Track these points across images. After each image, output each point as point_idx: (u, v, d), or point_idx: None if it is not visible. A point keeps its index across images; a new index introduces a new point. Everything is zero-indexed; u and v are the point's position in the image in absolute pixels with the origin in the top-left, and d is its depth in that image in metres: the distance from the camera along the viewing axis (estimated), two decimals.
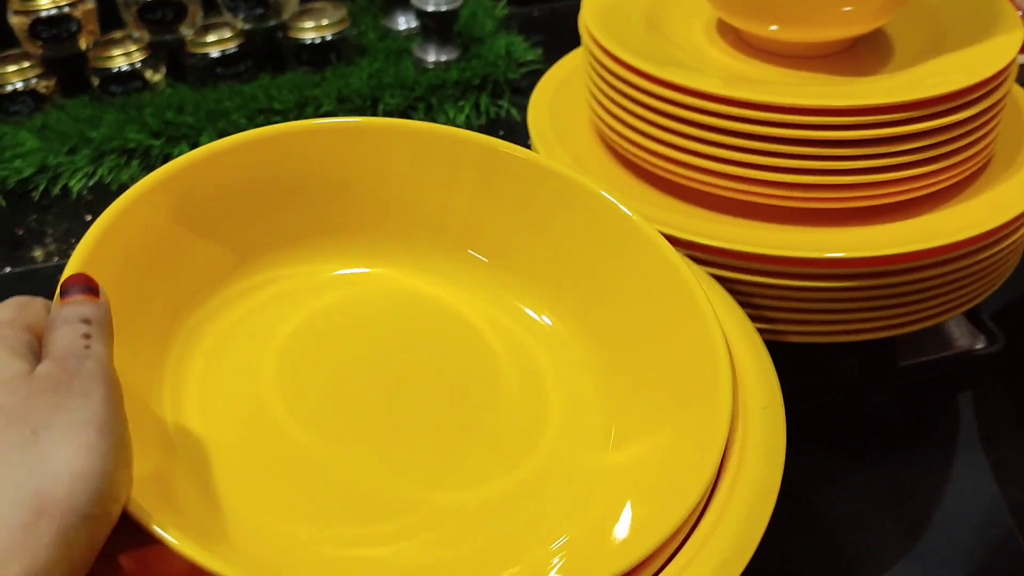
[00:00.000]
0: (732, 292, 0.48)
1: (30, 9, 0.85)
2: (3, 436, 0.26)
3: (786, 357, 0.45)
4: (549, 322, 0.46)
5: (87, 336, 0.30)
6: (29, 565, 0.24)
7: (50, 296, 0.34)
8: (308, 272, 0.46)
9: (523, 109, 0.92)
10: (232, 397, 0.40)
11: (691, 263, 0.48)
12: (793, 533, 0.53)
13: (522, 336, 0.46)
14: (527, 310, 0.47)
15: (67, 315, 0.31)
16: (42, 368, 0.29)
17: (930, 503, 0.56)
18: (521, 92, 0.93)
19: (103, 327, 0.31)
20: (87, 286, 0.32)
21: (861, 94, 0.49)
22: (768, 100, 0.48)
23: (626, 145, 0.56)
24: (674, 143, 0.52)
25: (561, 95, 0.64)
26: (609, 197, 0.45)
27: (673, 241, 0.50)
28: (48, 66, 0.88)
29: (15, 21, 0.85)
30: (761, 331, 0.45)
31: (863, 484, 0.57)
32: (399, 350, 0.44)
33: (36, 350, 0.30)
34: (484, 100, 0.91)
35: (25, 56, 0.87)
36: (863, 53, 0.57)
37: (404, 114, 0.89)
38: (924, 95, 0.48)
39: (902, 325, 0.54)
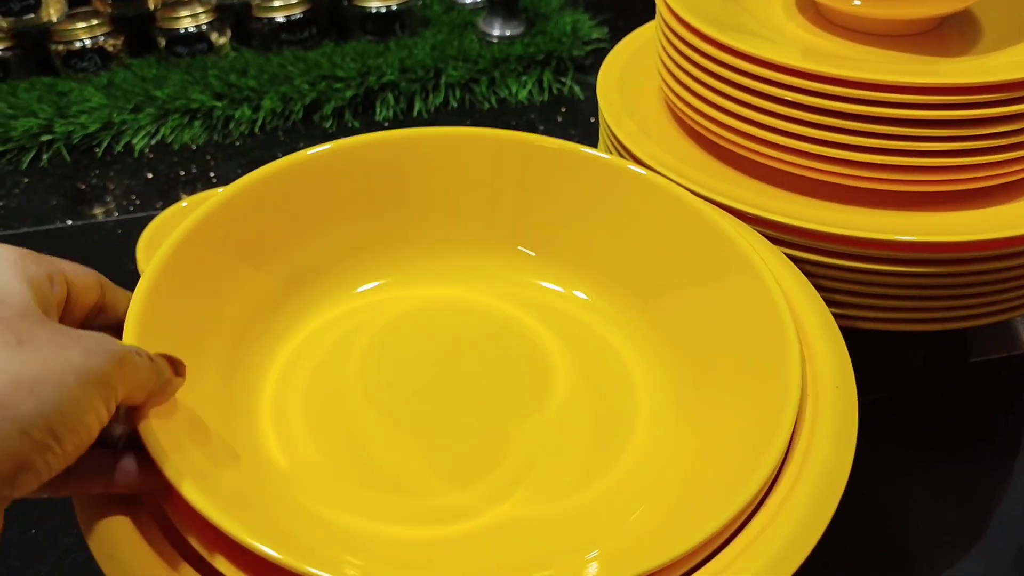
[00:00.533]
0: (802, 271, 0.47)
1: None
2: None
3: (854, 348, 0.44)
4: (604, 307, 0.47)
5: (139, 354, 0.31)
6: None
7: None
8: (358, 288, 0.48)
9: (586, 87, 0.91)
10: (312, 413, 0.42)
11: (758, 237, 0.47)
12: (852, 526, 0.52)
13: (576, 326, 0.47)
14: (578, 293, 0.47)
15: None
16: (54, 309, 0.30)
17: (992, 502, 0.55)
18: (585, 70, 0.92)
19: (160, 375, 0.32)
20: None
21: (945, 73, 0.47)
22: (847, 75, 0.46)
23: (696, 117, 0.54)
24: (747, 116, 0.50)
25: (631, 67, 0.63)
26: (659, 176, 0.44)
27: (742, 216, 0.49)
28: (116, 25, 0.88)
29: None
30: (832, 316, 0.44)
31: (925, 480, 0.56)
32: (456, 359, 0.45)
33: (54, 302, 0.31)
34: (547, 76, 0.90)
35: (95, 14, 0.88)
36: (948, 35, 0.54)
37: (466, 87, 0.89)
38: (1011, 77, 0.46)
39: (974, 317, 0.52)
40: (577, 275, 0.49)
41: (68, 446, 0.27)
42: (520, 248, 0.49)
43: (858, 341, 0.50)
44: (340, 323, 0.46)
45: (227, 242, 0.42)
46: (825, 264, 0.49)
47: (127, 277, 0.38)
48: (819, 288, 0.48)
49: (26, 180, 0.77)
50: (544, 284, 0.49)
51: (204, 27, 0.88)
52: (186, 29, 0.88)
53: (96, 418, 0.28)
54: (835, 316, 0.48)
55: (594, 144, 0.64)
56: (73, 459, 0.28)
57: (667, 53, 0.55)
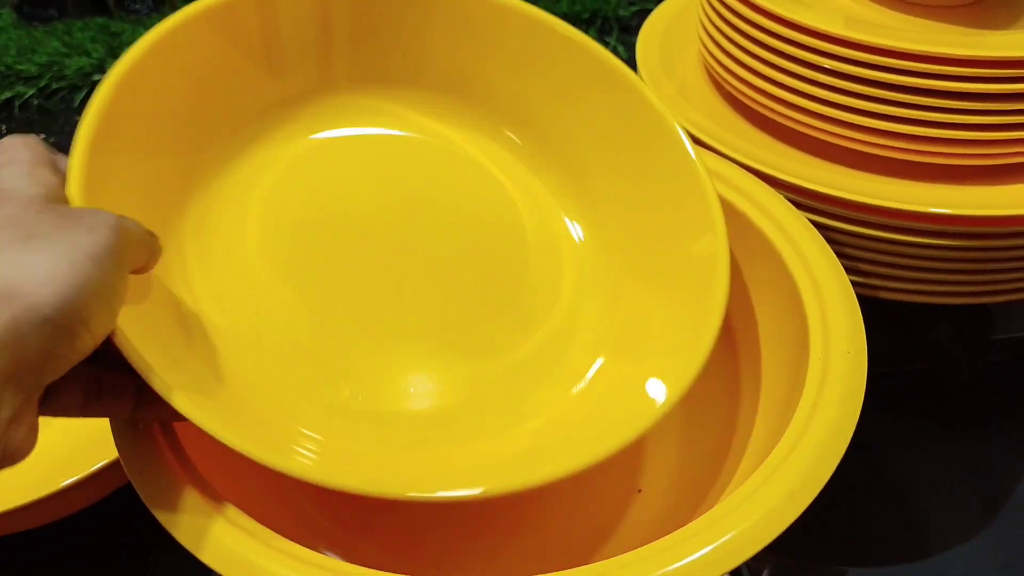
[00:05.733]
0: (827, 240, 0.47)
1: None
2: None
3: (878, 319, 0.44)
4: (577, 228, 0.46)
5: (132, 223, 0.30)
6: None
7: None
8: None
9: (630, 48, 0.90)
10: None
11: (781, 200, 0.47)
12: (868, 495, 0.53)
13: (550, 221, 0.46)
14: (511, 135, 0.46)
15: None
16: (59, 203, 0.30)
17: (1009, 480, 0.55)
18: (630, 31, 0.92)
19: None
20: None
21: (988, 46, 0.46)
22: (887, 44, 0.46)
23: (734, 82, 0.54)
24: (785, 83, 0.50)
25: (672, 29, 0.63)
26: (642, 91, 0.44)
27: (771, 181, 0.49)
28: None
29: None
30: (855, 283, 0.44)
31: (943, 454, 0.56)
32: (418, 208, 0.44)
33: (59, 195, 0.31)
34: (591, 35, 0.90)
35: None
36: (994, 7, 0.54)
37: None
38: None
39: (999, 293, 0.52)
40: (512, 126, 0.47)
41: (95, 326, 0.28)
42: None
43: (883, 314, 0.50)
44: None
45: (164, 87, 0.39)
46: (852, 233, 0.49)
47: None
48: (844, 256, 0.48)
49: (77, 118, 0.79)
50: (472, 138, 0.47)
51: None
52: None
53: (114, 292, 0.29)
54: (860, 285, 0.49)
55: None
56: (101, 338, 0.29)
57: (708, 17, 0.55)
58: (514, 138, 0.47)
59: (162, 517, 0.32)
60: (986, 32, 0.51)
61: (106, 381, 0.33)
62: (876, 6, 0.54)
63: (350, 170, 0.44)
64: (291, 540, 0.32)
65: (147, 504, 0.33)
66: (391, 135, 0.45)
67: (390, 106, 0.46)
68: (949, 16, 0.53)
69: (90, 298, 0.27)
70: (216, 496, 0.33)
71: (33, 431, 0.28)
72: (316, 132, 0.44)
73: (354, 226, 0.43)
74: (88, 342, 0.28)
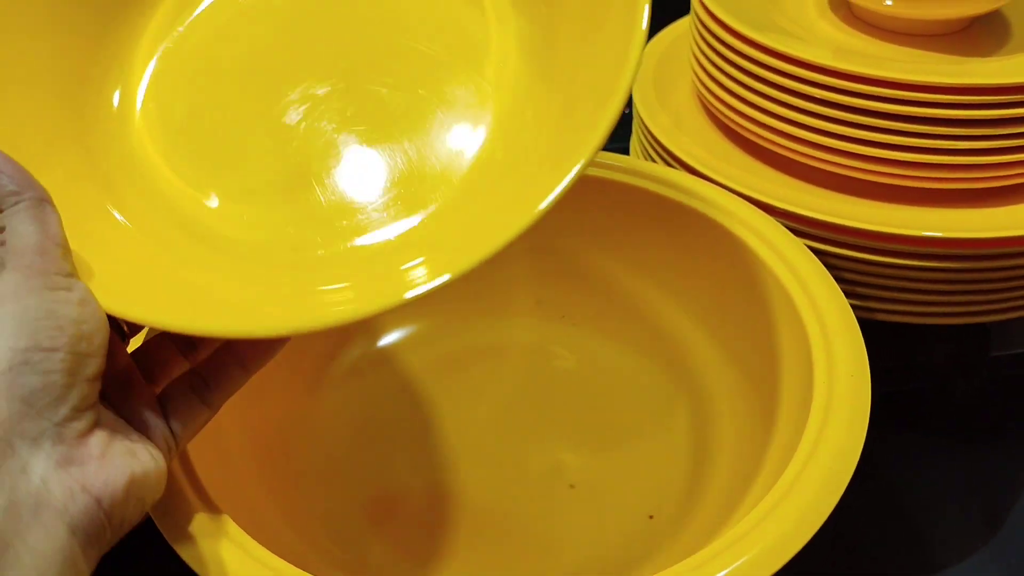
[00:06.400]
0: (826, 265, 0.48)
1: None
2: None
3: (877, 339, 0.45)
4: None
5: (1, 230, 0.30)
6: None
7: None
8: None
9: None
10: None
11: (778, 227, 0.48)
12: (871, 514, 0.53)
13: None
14: None
15: None
16: None
17: (1010, 497, 0.56)
18: None
19: (14, 199, 0.30)
20: None
21: (974, 73, 0.48)
22: (875, 74, 0.48)
23: (727, 112, 0.56)
24: (777, 112, 0.52)
25: (666, 61, 0.65)
26: None
27: (768, 209, 0.50)
28: None
29: None
30: (853, 307, 0.45)
31: (944, 472, 0.57)
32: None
33: None
34: None
35: None
36: (979, 34, 0.55)
37: None
38: None
39: (995, 312, 0.53)
40: None
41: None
42: None
43: (881, 332, 0.51)
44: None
45: None
46: (848, 257, 0.51)
47: None
48: (842, 281, 0.49)
49: None
50: None
51: None
52: None
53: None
54: (858, 308, 0.50)
55: (627, 134, 0.66)
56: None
57: (700, 49, 0.57)
58: None
59: (174, 541, 0.33)
60: (972, 59, 0.53)
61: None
62: (864, 36, 0.56)
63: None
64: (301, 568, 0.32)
65: (164, 533, 0.33)
66: None
67: None
68: (935, 44, 0.54)
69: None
70: (225, 521, 0.34)
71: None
72: None
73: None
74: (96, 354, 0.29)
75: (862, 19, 0.57)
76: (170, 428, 0.33)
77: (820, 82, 0.49)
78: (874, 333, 0.46)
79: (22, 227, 0.30)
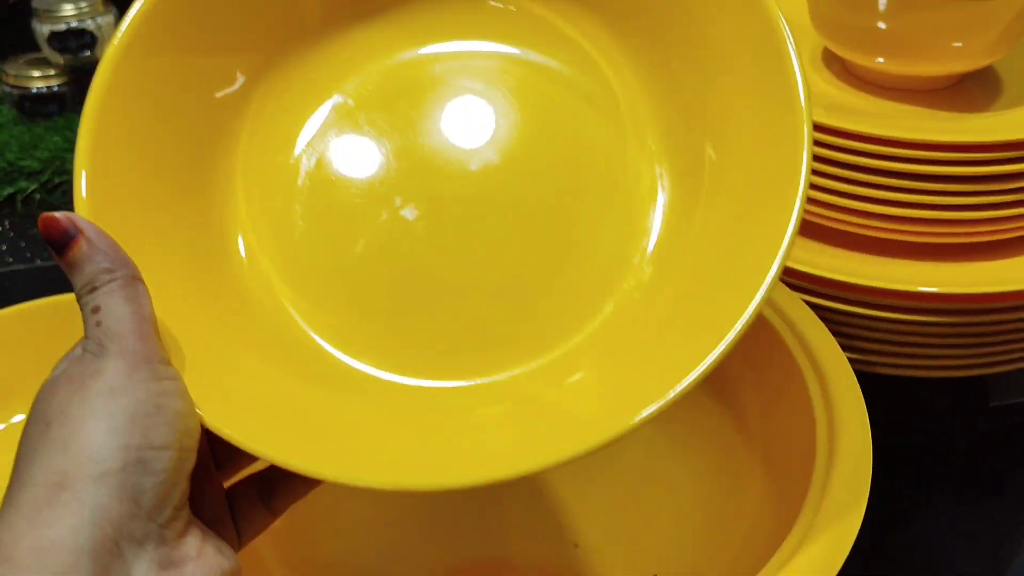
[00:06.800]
0: (823, 319, 0.48)
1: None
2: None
3: (876, 390, 0.45)
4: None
5: (95, 311, 0.30)
6: None
7: None
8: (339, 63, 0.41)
9: None
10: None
11: (779, 284, 0.49)
12: (870, 567, 0.53)
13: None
14: None
15: (76, 292, 0.30)
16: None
17: (1011, 548, 0.55)
18: None
19: (108, 277, 0.30)
20: (62, 238, 0.30)
21: (965, 130, 0.49)
22: (869, 131, 0.48)
23: None
24: None
25: None
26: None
27: None
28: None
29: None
30: (852, 360, 0.46)
31: (944, 523, 0.57)
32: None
33: None
34: None
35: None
36: (970, 89, 0.56)
37: None
38: None
39: (994, 364, 0.53)
40: None
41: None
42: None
43: (882, 383, 0.51)
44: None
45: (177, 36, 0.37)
46: (847, 312, 0.51)
47: None
48: (840, 335, 0.50)
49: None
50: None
51: None
52: None
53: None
54: (857, 362, 0.50)
55: None
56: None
57: None
58: None
59: None
60: (965, 115, 0.53)
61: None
62: (857, 91, 0.57)
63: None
64: None
65: None
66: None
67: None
68: (928, 99, 0.55)
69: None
70: None
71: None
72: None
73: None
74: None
75: (855, 74, 0.58)
76: (236, 528, 0.32)
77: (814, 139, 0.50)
78: (873, 386, 0.46)
79: (118, 308, 0.29)
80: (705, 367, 0.30)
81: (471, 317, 0.37)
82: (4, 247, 0.76)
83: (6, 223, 0.80)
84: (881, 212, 0.50)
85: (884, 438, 0.42)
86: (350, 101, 0.40)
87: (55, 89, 0.89)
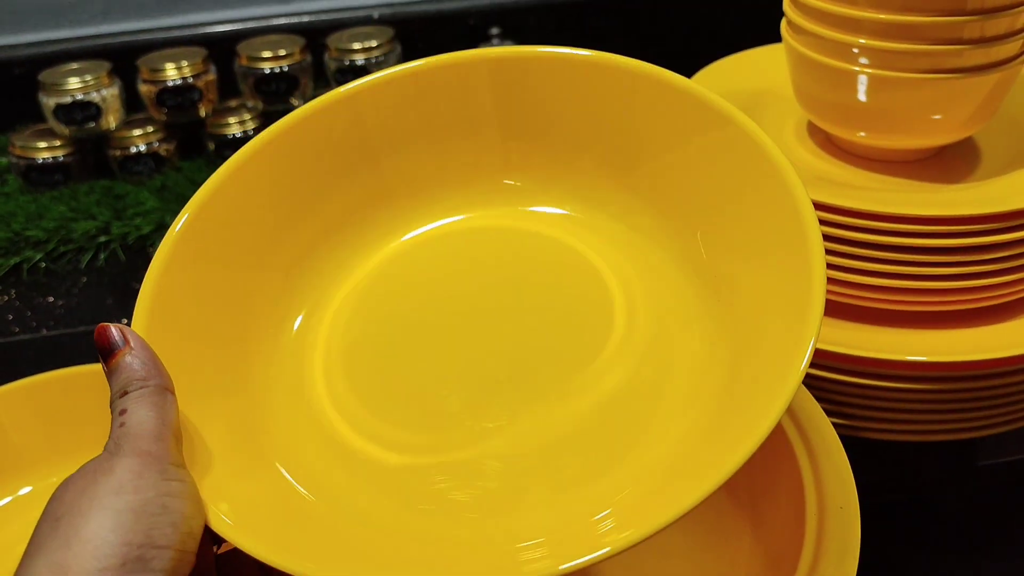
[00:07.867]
0: (810, 386, 0.50)
1: (157, 79, 0.91)
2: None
3: (863, 451, 0.46)
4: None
5: (122, 413, 0.31)
6: None
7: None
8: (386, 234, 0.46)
9: None
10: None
11: None
12: None
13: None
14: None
15: (111, 397, 0.32)
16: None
17: None
18: None
19: (140, 384, 0.32)
20: (109, 346, 0.33)
21: (945, 203, 0.50)
22: (851, 206, 0.50)
23: None
24: None
25: None
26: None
27: None
28: (169, 131, 0.94)
29: (143, 89, 0.92)
30: (838, 426, 0.47)
31: None
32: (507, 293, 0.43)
33: None
34: None
35: (150, 121, 0.94)
36: (951, 160, 0.58)
37: None
38: (1008, 208, 0.49)
39: (981, 428, 0.54)
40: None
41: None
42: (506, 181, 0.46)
43: (870, 444, 0.52)
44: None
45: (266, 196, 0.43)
46: (834, 380, 0.52)
47: None
48: (827, 400, 0.51)
49: (84, 279, 0.82)
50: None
51: (251, 131, 0.94)
52: (234, 135, 0.94)
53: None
54: (843, 427, 0.51)
55: None
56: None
57: None
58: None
59: None
60: (946, 187, 0.55)
61: None
62: (839, 162, 0.59)
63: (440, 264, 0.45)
64: None
65: None
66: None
67: None
68: (909, 170, 0.57)
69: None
70: None
71: None
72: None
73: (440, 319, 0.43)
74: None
75: (838, 146, 0.60)
76: None
77: None
78: (862, 450, 0.47)
79: (142, 412, 0.31)
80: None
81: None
82: (10, 316, 0.78)
83: (12, 292, 0.81)
84: (863, 283, 0.51)
85: (871, 498, 0.43)
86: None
87: (60, 159, 0.91)
